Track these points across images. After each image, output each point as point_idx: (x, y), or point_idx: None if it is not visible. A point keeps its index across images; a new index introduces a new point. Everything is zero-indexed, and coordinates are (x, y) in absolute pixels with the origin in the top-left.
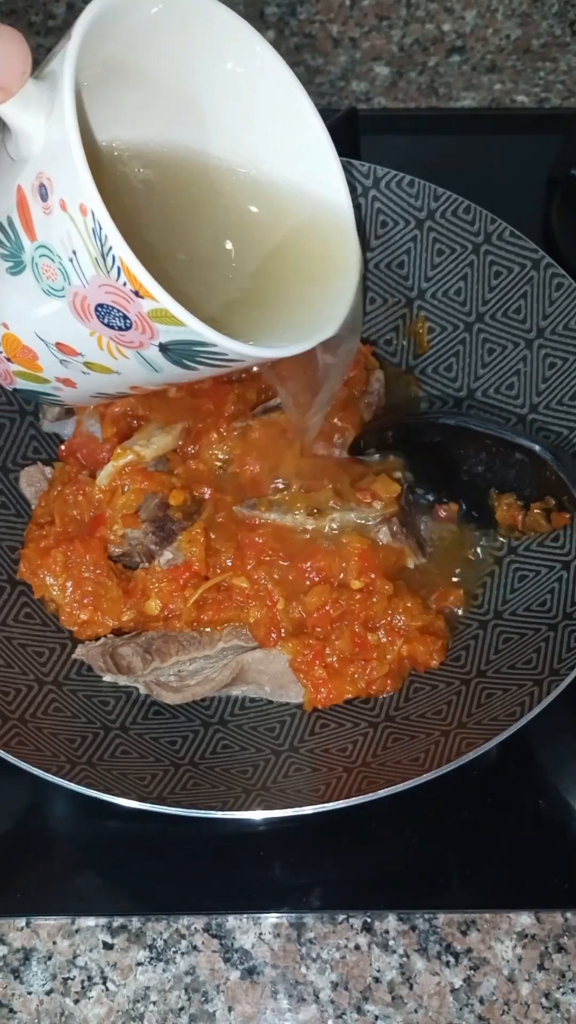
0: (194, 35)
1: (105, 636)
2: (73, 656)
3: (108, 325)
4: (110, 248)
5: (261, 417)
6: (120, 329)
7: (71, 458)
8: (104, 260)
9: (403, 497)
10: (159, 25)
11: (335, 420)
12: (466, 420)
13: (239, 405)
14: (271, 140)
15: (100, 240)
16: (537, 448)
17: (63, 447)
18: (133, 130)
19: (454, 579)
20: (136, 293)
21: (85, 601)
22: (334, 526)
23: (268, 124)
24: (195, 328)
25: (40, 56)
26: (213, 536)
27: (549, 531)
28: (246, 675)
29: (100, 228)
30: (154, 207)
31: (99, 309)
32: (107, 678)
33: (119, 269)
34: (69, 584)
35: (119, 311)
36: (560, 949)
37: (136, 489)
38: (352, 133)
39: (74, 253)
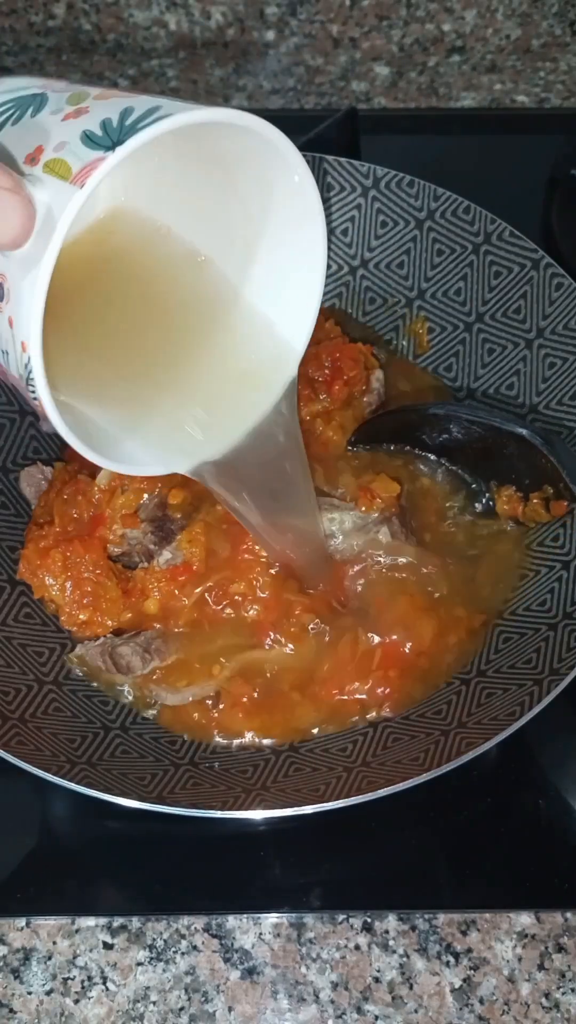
0: (258, 158)
1: (104, 636)
2: (73, 656)
3: (17, 393)
4: (34, 389)
5: None
6: (31, 399)
7: (71, 458)
8: (27, 383)
9: (403, 496)
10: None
11: (335, 420)
12: (455, 409)
13: None
14: (288, 284)
15: (28, 374)
16: (526, 433)
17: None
18: (178, 227)
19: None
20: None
21: (85, 601)
22: (333, 527)
23: (293, 273)
24: (90, 458)
25: (39, 55)
26: (211, 535)
27: (550, 520)
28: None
29: (31, 372)
30: (168, 284)
31: (14, 386)
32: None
33: (36, 399)
34: (69, 584)
35: (28, 402)
36: (560, 949)
37: (135, 489)
38: (352, 133)
39: (5, 352)
